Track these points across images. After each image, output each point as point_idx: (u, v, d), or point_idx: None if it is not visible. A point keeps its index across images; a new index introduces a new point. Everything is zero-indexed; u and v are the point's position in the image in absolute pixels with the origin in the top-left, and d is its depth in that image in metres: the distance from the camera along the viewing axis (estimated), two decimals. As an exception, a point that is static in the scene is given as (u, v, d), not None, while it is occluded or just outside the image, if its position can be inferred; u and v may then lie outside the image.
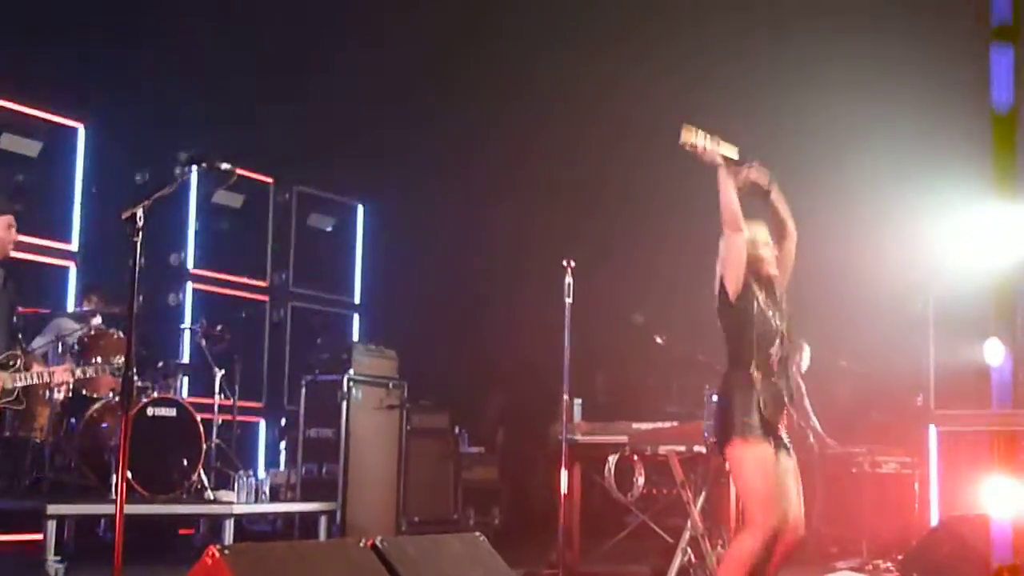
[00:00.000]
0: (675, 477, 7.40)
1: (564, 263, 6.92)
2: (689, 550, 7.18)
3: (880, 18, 10.34)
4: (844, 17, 10.47)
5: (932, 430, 10.55)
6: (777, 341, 5.85)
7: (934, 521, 9.98)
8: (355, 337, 13.17)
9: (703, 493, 7.51)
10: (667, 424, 7.97)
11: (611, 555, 8.64)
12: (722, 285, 5.82)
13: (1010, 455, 9.86)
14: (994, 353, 9.78)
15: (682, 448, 7.44)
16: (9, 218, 6.51)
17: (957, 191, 9.91)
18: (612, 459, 7.71)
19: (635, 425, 8.00)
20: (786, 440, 5.79)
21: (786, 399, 5.86)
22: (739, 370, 5.75)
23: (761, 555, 5.52)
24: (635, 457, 7.74)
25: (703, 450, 7.40)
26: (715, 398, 5.95)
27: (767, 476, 5.61)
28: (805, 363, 10.71)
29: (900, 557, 9.23)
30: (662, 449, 7.49)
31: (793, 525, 5.63)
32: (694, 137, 5.83)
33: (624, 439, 7.83)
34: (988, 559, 8.30)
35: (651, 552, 8.09)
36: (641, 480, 7.87)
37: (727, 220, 5.76)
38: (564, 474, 6.94)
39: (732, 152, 5.90)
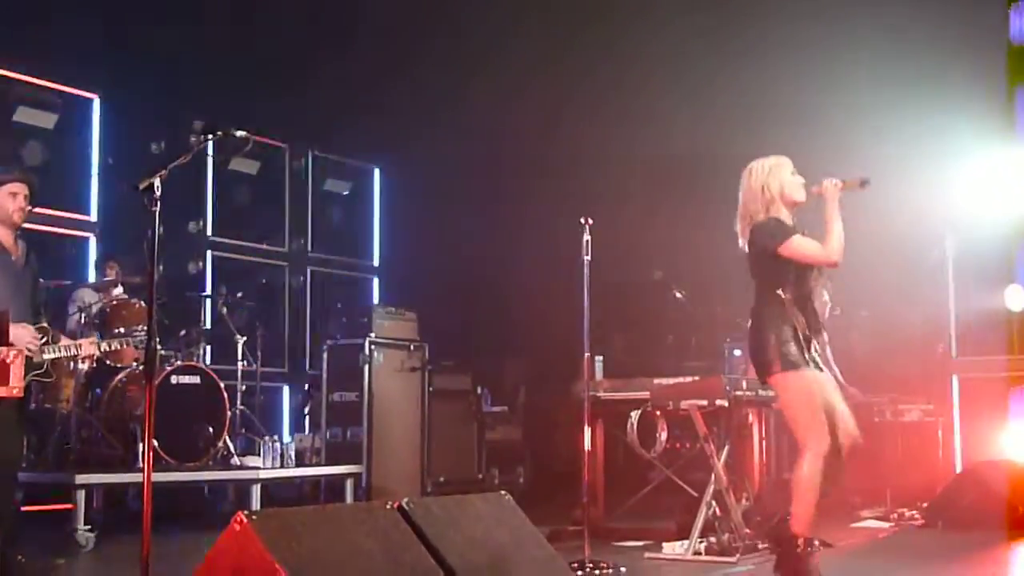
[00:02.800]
0: (698, 431, 7.41)
1: (582, 220, 6.91)
2: (714, 503, 7.20)
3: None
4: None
5: (954, 378, 10.55)
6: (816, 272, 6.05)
7: (958, 468, 10.00)
8: (375, 300, 13.20)
9: (726, 447, 7.53)
10: (688, 379, 7.97)
11: (635, 511, 8.67)
12: (768, 234, 5.94)
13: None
14: (1015, 299, 9.79)
15: (704, 402, 7.44)
16: (15, 186, 6.48)
17: (974, 137, 9.87)
18: (634, 415, 7.73)
19: (656, 381, 8.01)
20: (818, 358, 5.94)
21: (818, 322, 6.05)
22: (773, 300, 5.93)
23: (825, 471, 5.74)
24: (657, 413, 7.75)
25: (725, 404, 7.40)
26: (751, 328, 6.05)
27: (812, 400, 5.81)
28: (826, 312, 10.68)
29: (925, 505, 9.25)
30: (684, 404, 7.49)
31: (847, 433, 5.86)
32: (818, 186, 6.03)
33: (646, 395, 7.84)
34: (1013, 503, 8.35)
35: (676, 507, 8.12)
36: (664, 435, 7.90)
37: (837, 251, 5.93)
38: (587, 431, 6.95)
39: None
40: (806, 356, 5.86)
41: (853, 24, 10.57)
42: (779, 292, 5.90)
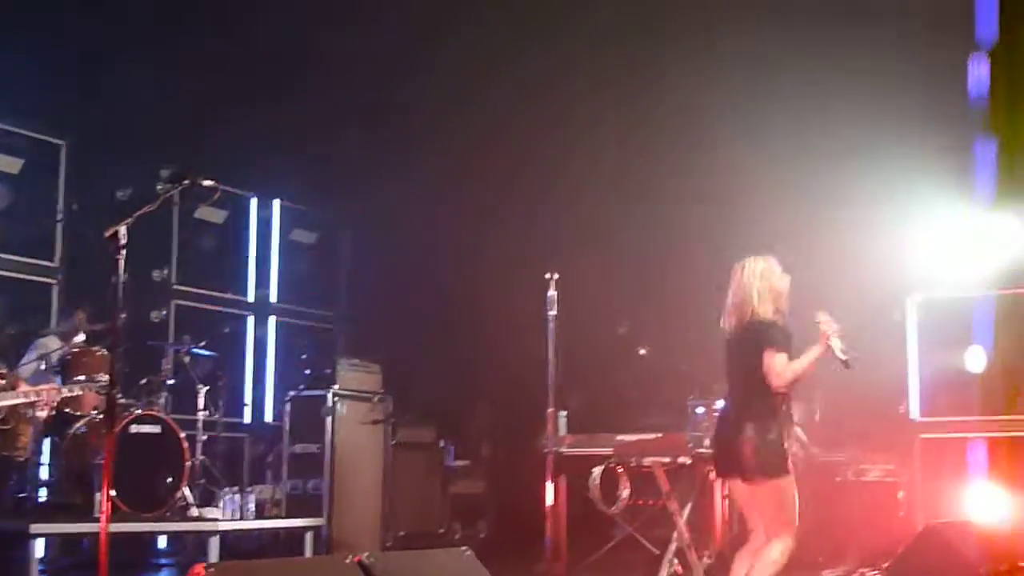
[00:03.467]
0: (660, 488, 7.41)
1: (548, 276, 6.93)
2: (676, 561, 7.19)
3: (869, 29, 10.40)
4: (820, 27, 10.53)
5: (916, 438, 10.59)
6: None
7: (919, 528, 10.01)
8: (339, 351, 13.14)
9: (689, 504, 7.52)
10: (651, 435, 7.98)
11: (598, 567, 8.65)
12: (762, 336, 6.15)
13: (993, 461, 9.93)
14: (976, 360, 9.86)
15: (667, 459, 7.46)
16: None
17: (936, 198, 9.99)
18: (597, 471, 7.72)
19: (619, 437, 8.03)
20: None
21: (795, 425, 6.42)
22: (762, 400, 6.13)
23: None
24: (620, 469, 7.75)
25: (688, 461, 7.42)
26: (733, 422, 6.20)
27: (789, 502, 6.15)
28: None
29: (886, 564, 9.25)
30: (647, 460, 7.50)
31: None
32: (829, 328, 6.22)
33: (609, 451, 7.85)
34: (974, 564, 8.36)
35: (638, 563, 8.11)
36: (626, 491, 7.89)
37: (787, 378, 6.11)
38: (550, 486, 6.94)
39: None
40: (788, 461, 6.09)
41: (815, 89, 10.72)
42: (773, 399, 6.09)
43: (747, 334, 6.20)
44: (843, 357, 6.16)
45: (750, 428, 6.07)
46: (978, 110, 9.46)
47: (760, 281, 6.27)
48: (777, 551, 6.07)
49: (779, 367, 6.04)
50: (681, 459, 7.43)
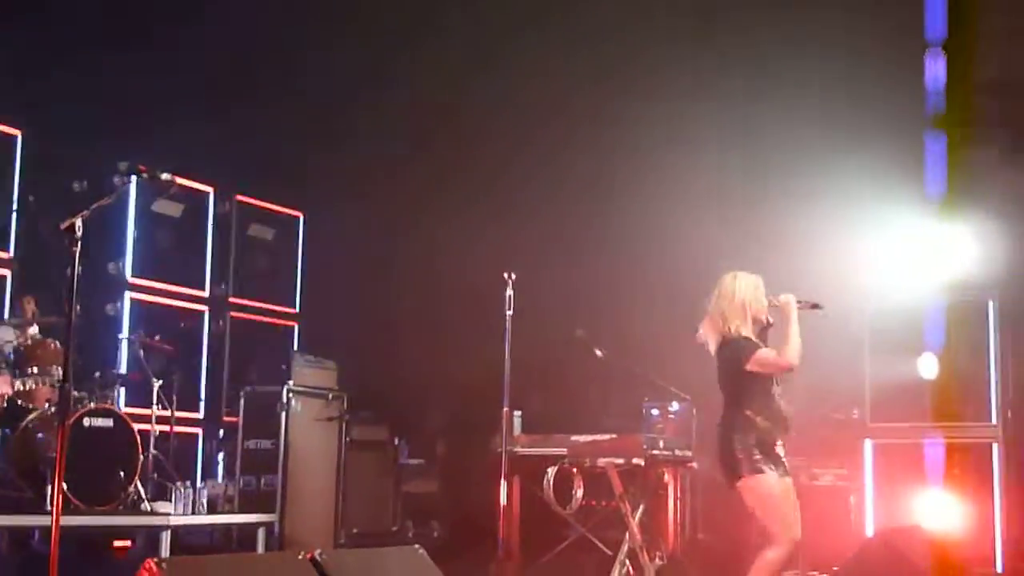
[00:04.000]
0: (614, 489, 7.44)
1: (505, 275, 6.94)
2: (628, 562, 7.23)
3: (818, 35, 10.48)
4: (775, 35, 10.62)
5: (867, 443, 10.69)
6: (775, 378, 6.60)
7: (869, 533, 10.11)
8: (295, 348, 13.10)
9: (641, 505, 7.56)
10: (606, 437, 8.00)
11: (550, 568, 8.67)
12: (736, 353, 6.47)
13: (944, 468, 10.04)
14: (928, 367, 9.97)
15: (620, 460, 7.49)
16: None
17: (891, 207, 10.09)
18: (551, 471, 7.74)
19: (574, 438, 8.03)
20: (784, 460, 6.51)
21: (786, 422, 6.59)
22: (738, 410, 6.48)
23: (784, 564, 6.45)
24: (574, 469, 7.77)
25: (641, 462, 7.46)
26: (719, 437, 6.54)
27: (780, 498, 6.47)
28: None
29: (836, 569, 9.33)
30: (601, 461, 7.53)
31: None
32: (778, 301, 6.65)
33: (563, 451, 7.86)
34: (922, 569, 8.45)
35: (590, 564, 8.13)
36: (580, 492, 7.91)
37: (795, 356, 6.49)
38: (503, 486, 6.95)
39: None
40: (771, 462, 6.43)
41: (769, 100, 10.81)
42: (746, 411, 6.43)
43: (725, 350, 6.52)
44: (812, 303, 6.72)
45: (721, 439, 6.48)
46: (933, 110, 9.55)
47: (749, 295, 6.57)
48: (773, 554, 6.40)
49: (777, 357, 6.48)
50: (635, 460, 7.47)
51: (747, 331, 6.50)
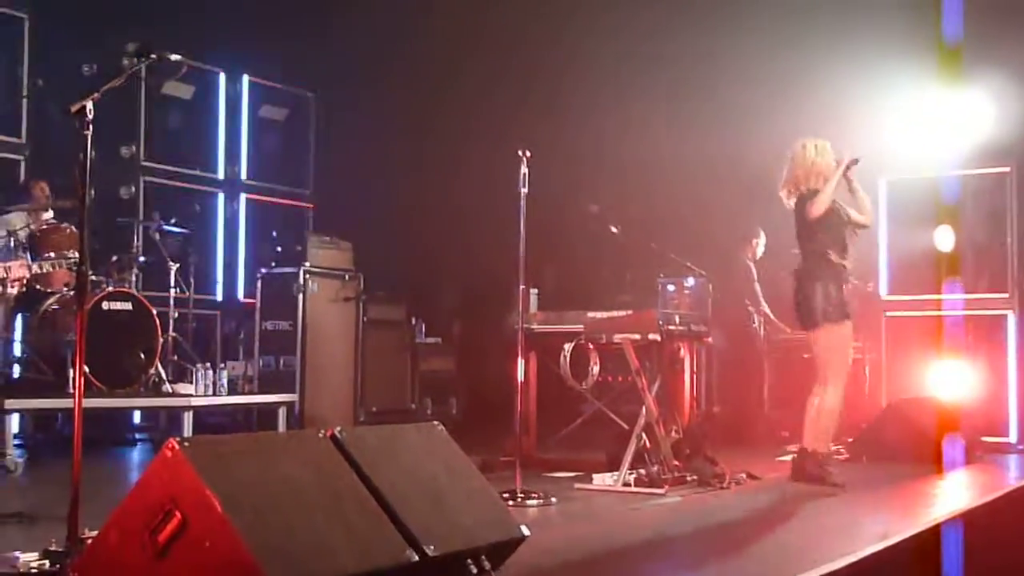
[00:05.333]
0: (630, 365, 7.48)
1: (520, 152, 6.89)
2: (644, 436, 7.29)
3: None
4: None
5: (883, 316, 10.72)
6: (848, 228, 7.47)
7: (884, 404, 10.19)
8: (310, 229, 13.09)
9: (657, 380, 7.61)
10: (622, 313, 8.02)
11: (567, 442, 8.77)
12: (806, 205, 7.34)
13: (957, 339, 10.07)
14: (944, 239, 9.94)
15: (637, 336, 7.52)
16: None
17: (906, 79, 9.96)
18: (567, 347, 7.77)
19: (590, 314, 8.05)
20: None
21: (849, 277, 7.45)
22: (821, 262, 7.33)
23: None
24: (590, 345, 7.81)
25: (657, 338, 7.49)
26: (798, 284, 7.46)
27: (846, 348, 7.44)
28: (760, 250, 10.82)
29: (850, 440, 9.43)
30: (617, 337, 7.56)
31: None
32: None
33: (579, 328, 7.89)
34: (935, 438, 8.53)
35: (606, 439, 8.21)
36: (596, 368, 7.96)
37: (871, 212, 7.70)
38: (520, 363, 6.99)
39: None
40: (848, 309, 7.29)
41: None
42: (829, 255, 7.28)
43: (799, 206, 7.39)
44: (852, 160, 7.39)
45: (809, 284, 7.31)
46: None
47: (820, 157, 7.41)
48: (829, 398, 7.32)
49: (855, 215, 7.48)
50: (651, 336, 7.49)
51: (819, 185, 7.32)
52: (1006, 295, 10.24)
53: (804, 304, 7.34)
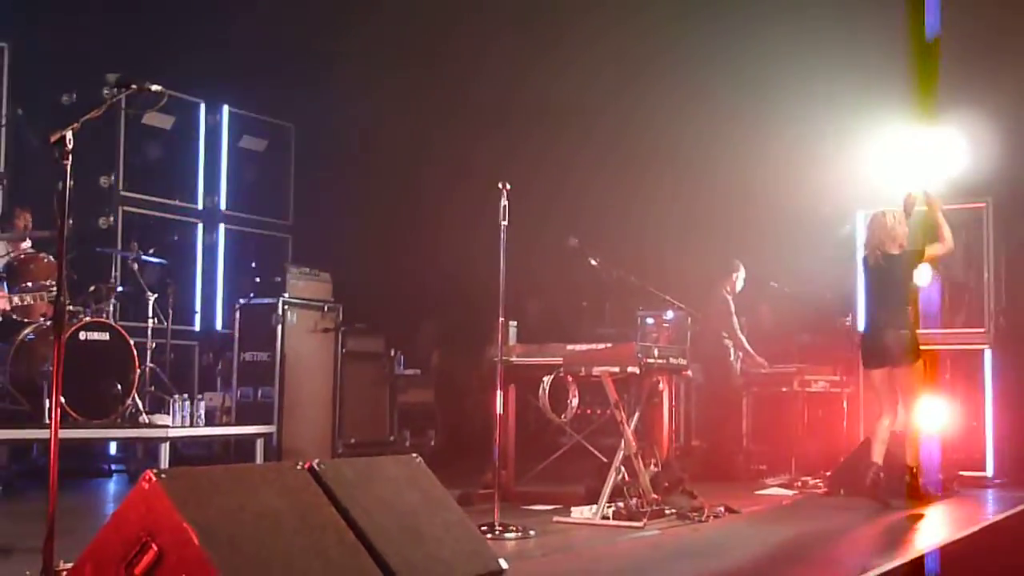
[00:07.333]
0: (609, 397, 7.48)
1: (500, 185, 6.90)
2: (623, 469, 7.28)
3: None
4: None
5: (859, 350, 10.73)
6: None
7: (861, 438, 10.19)
8: (289, 260, 13.07)
9: (636, 413, 7.61)
10: (601, 345, 8.03)
11: (546, 475, 8.75)
12: (912, 257, 8.54)
13: (934, 373, 10.09)
14: (921, 275, 9.99)
15: (616, 369, 7.51)
16: None
17: (883, 114, 10.04)
18: (546, 380, 7.76)
19: (569, 347, 8.06)
20: None
21: None
22: (907, 308, 8.51)
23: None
24: (569, 378, 7.80)
25: (636, 371, 7.48)
26: (896, 325, 8.46)
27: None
28: (739, 284, 10.84)
29: (828, 473, 9.44)
30: (596, 370, 7.55)
31: None
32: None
33: (558, 360, 7.88)
34: (912, 471, 8.53)
35: (585, 472, 8.20)
36: (575, 401, 7.95)
37: (951, 239, 8.67)
38: (499, 395, 6.98)
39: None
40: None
41: (762, 7, 10.72)
42: (909, 308, 8.51)
43: (891, 263, 8.43)
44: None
45: (899, 327, 8.43)
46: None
47: (899, 225, 8.49)
48: (915, 420, 8.47)
49: (941, 246, 8.59)
50: (630, 369, 7.49)
51: (899, 250, 8.47)
52: (982, 330, 10.29)
53: (904, 345, 8.42)
